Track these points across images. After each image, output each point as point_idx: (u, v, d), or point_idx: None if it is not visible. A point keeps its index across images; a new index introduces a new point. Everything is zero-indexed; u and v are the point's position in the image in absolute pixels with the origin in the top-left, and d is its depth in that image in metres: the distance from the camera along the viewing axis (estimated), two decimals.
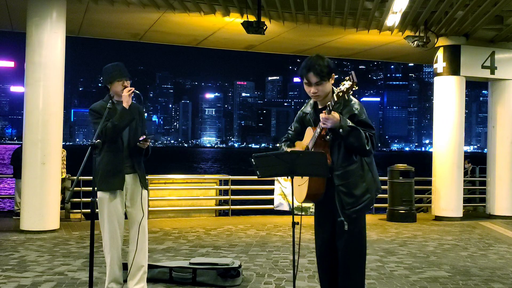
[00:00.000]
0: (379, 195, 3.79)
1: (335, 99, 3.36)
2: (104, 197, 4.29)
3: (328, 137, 3.52)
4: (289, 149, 3.73)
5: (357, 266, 3.61)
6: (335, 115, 3.39)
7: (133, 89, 4.30)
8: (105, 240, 4.34)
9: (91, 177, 3.91)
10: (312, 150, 3.58)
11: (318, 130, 3.51)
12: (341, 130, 3.39)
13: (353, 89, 3.33)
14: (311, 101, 3.75)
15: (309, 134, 3.67)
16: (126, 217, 4.48)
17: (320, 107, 3.65)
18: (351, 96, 3.59)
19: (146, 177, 4.84)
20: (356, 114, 3.51)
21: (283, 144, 3.90)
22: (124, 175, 4.33)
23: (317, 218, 3.75)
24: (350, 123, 3.42)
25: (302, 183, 3.68)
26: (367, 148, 3.45)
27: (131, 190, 4.39)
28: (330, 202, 3.58)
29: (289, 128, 3.96)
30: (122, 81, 4.33)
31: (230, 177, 11.66)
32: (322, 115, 3.41)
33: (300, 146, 3.77)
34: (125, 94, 4.27)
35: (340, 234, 3.58)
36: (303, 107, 3.88)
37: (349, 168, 3.52)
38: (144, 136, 4.29)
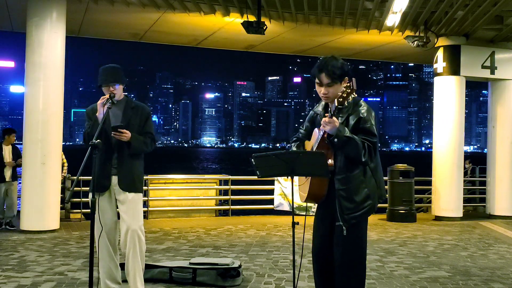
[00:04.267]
0: None
1: (336, 104, 3.36)
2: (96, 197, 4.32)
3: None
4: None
5: (355, 277, 3.53)
6: (336, 122, 3.34)
7: (106, 97, 4.23)
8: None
9: (91, 177, 3.92)
10: (316, 151, 3.55)
11: (321, 132, 3.48)
12: (336, 140, 3.35)
13: (352, 95, 3.34)
14: (323, 102, 3.70)
15: (315, 135, 3.65)
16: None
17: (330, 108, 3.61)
18: (361, 101, 3.55)
19: (144, 177, 4.72)
20: (361, 120, 3.46)
21: (292, 144, 3.86)
22: (108, 177, 4.32)
23: (317, 219, 3.73)
24: (347, 133, 3.36)
25: (304, 182, 3.66)
26: (363, 160, 3.40)
27: (118, 191, 4.36)
28: (331, 205, 3.55)
29: (300, 127, 3.92)
30: (108, 86, 4.31)
31: (230, 177, 11.65)
32: (324, 119, 3.37)
33: (309, 146, 3.75)
34: (99, 103, 4.25)
35: (337, 240, 3.53)
36: (315, 107, 3.83)
37: (351, 173, 3.47)
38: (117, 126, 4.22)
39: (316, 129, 3.64)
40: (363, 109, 3.50)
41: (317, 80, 3.52)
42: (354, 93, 3.34)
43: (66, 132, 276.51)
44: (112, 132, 4.20)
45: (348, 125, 3.46)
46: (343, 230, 3.47)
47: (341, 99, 3.32)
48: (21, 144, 9.10)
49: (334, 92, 3.47)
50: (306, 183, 3.63)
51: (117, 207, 4.43)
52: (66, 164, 10.10)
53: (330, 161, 3.48)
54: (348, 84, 3.35)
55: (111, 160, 4.33)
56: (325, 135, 3.46)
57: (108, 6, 9.34)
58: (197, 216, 11.02)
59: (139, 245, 4.37)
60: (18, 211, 9.32)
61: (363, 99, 3.62)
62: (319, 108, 3.75)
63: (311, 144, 3.69)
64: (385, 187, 10.65)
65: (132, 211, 4.35)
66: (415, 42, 10.51)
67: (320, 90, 3.53)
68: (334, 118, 3.35)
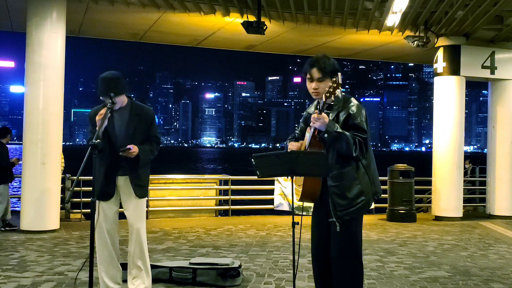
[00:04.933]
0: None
1: (323, 99, 3.41)
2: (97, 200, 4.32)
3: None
4: (289, 143, 3.78)
5: (353, 274, 3.55)
6: (325, 117, 3.40)
7: (103, 113, 4.17)
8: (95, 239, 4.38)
9: (91, 177, 3.92)
10: (308, 149, 3.58)
11: (312, 130, 3.53)
12: (326, 135, 3.40)
13: (338, 89, 3.41)
14: (315, 102, 3.76)
15: (307, 134, 3.68)
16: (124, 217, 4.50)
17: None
18: (351, 98, 3.61)
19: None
20: (351, 117, 3.51)
21: (288, 141, 3.89)
22: (112, 184, 4.33)
23: (314, 218, 3.74)
24: (337, 128, 3.41)
25: (301, 183, 3.68)
26: (354, 155, 3.44)
27: (124, 193, 4.38)
28: (325, 202, 3.57)
29: (296, 127, 3.98)
30: (107, 97, 4.22)
31: (230, 177, 11.65)
32: (313, 115, 3.43)
33: (302, 145, 3.76)
34: (97, 119, 4.21)
35: (333, 237, 3.54)
36: (308, 108, 3.89)
37: (343, 170, 3.50)
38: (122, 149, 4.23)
39: (308, 128, 3.68)
40: (353, 105, 3.56)
41: (308, 76, 3.60)
42: (340, 88, 3.42)
43: (66, 132, 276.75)
44: (120, 152, 4.22)
45: (338, 122, 3.50)
46: (337, 226, 3.49)
47: (327, 94, 3.40)
48: (21, 144, 9.09)
49: (324, 88, 3.53)
50: (301, 182, 3.65)
51: (121, 207, 4.45)
52: (63, 165, 10.09)
53: None
54: (334, 79, 3.43)
55: (119, 161, 4.32)
56: (316, 132, 3.51)
57: (108, 6, 9.34)
58: (197, 216, 11.02)
59: (144, 245, 4.45)
60: (12, 211, 9.33)
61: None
62: (312, 108, 3.81)
63: (304, 143, 3.71)
64: (385, 186, 10.68)
65: (136, 213, 4.41)
66: (415, 42, 10.51)
67: (311, 86, 3.59)
68: (323, 114, 3.41)
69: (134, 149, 4.24)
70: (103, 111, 4.20)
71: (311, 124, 3.49)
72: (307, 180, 3.58)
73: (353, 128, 3.48)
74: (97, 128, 4.12)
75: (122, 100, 4.35)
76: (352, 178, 3.50)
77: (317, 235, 3.69)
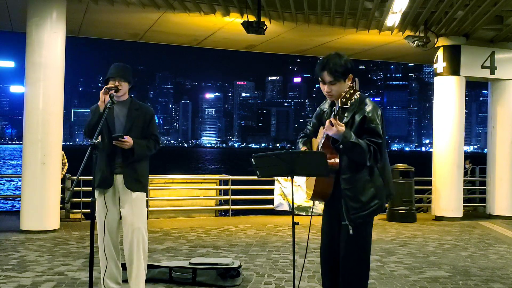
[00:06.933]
0: None
1: (339, 104, 3.28)
2: (97, 193, 4.33)
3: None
4: (302, 147, 3.71)
5: (359, 275, 3.54)
6: (340, 127, 3.27)
7: (109, 86, 4.27)
8: (97, 235, 4.37)
9: (91, 177, 3.92)
10: (320, 150, 3.51)
11: (326, 133, 3.42)
12: (341, 146, 3.30)
13: (355, 97, 3.27)
14: (330, 101, 3.63)
15: (321, 133, 3.59)
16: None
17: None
18: (367, 99, 3.48)
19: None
20: (366, 120, 3.39)
21: (299, 140, 3.82)
22: (111, 174, 4.33)
23: (325, 217, 3.69)
24: (353, 138, 3.28)
25: (310, 180, 3.64)
26: (368, 164, 3.36)
27: (122, 190, 4.37)
28: (337, 203, 3.51)
29: (308, 123, 3.87)
30: (115, 80, 4.33)
31: (230, 177, 11.65)
32: (328, 121, 3.30)
33: (315, 143, 3.71)
34: (101, 92, 4.29)
35: (343, 239, 3.50)
36: (322, 104, 3.77)
37: (356, 173, 3.41)
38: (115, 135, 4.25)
39: (321, 127, 3.58)
40: (369, 107, 3.43)
41: (320, 78, 3.48)
42: (357, 94, 3.31)
43: (66, 132, 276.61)
44: (113, 141, 4.22)
45: (354, 124, 3.40)
46: (349, 229, 3.44)
47: (344, 100, 3.25)
48: (21, 144, 9.09)
49: (338, 90, 3.42)
50: (312, 181, 3.61)
51: (120, 207, 4.43)
52: (66, 165, 10.10)
53: (333, 161, 3.45)
54: (351, 84, 3.30)
55: (116, 158, 4.33)
56: (330, 140, 3.41)
57: (108, 6, 9.34)
58: (197, 216, 11.02)
59: (142, 245, 4.38)
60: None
61: (369, 98, 3.58)
62: (326, 105, 3.69)
63: (317, 142, 3.66)
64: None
65: (136, 211, 4.36)
66: (415, 42, 10.50)
67: (324, 88, 3.48)
68: (338, 123, 3.27)
69: (128, 139, 4.23)
70: (110, 85, 4.28)
71: (325, 130, 3.37)
72: (319, 179, 3.53)
73: (368, 133, 3.37)
74: (98, 103, 4.22)
75: (125, 91, 4.39)
76: (365, 181, 3.42)
77: (326, 233, 3.64)
